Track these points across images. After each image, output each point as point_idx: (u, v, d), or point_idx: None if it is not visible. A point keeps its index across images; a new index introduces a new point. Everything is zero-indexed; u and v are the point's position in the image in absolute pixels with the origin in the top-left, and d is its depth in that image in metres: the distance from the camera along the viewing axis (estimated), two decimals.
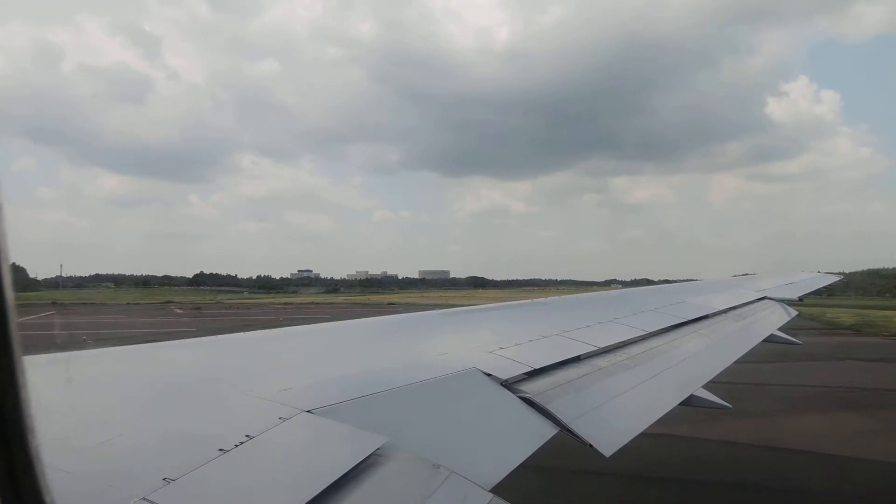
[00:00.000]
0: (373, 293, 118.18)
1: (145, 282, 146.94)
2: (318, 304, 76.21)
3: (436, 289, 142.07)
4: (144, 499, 1.61)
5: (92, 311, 59.32)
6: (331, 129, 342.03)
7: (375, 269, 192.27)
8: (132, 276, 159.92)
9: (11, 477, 0.95)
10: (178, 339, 3.99)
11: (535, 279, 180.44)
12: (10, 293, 0.91)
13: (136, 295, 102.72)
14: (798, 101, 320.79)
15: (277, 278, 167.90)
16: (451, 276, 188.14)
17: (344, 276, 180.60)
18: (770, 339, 8.02)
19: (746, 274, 14.91)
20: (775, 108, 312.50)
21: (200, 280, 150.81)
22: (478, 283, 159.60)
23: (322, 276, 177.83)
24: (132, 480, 1.74)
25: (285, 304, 76.17)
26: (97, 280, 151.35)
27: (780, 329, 8.61)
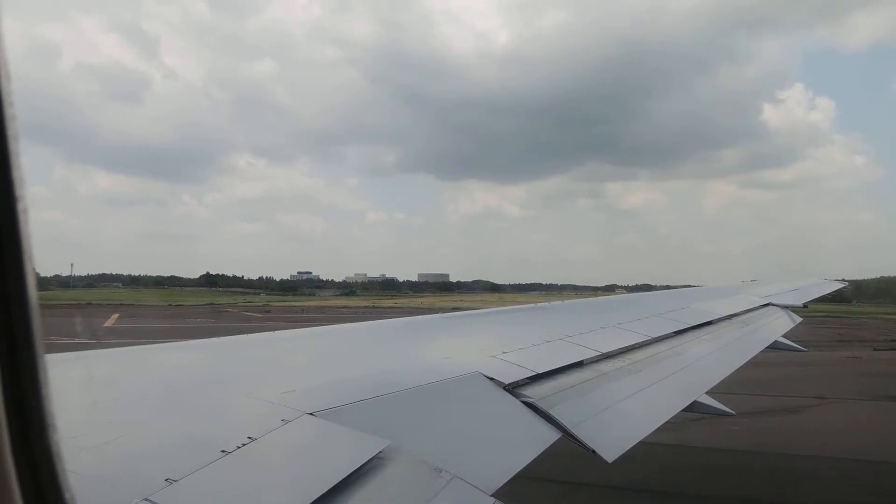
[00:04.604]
0: (387, 297, 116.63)
1: (156, 282, 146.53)
2: (376, 307, 72.10)
3: (444, 292, 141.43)
4: (146, 499, 1.62)
5: (152, 314, 56.46)
6: (327, 131, 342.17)
7: (373, 272, 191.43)
8: (135, 276, 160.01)
9: (33, 473, 0.97)
10: None
11: (535, 283, 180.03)
12: (34, 293, 0.94)
13: (158, 295, 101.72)
14: (793, 108, 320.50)
15: (278, 279, 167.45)
16: (449, 279, 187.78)
17: (343, 278, 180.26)
18: (774, 346, 7.99)
19: (755, 280, 14.87)
20: (771, 116, 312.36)
21: (209, 281, 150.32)
22: (491, 289, 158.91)
23: (321, 277, 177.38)
24: (134, 481, 1.75)
25: (343, 306, 74.26)
26: (104, 280, 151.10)
27: (785, 335, 8.59)
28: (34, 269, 0.93)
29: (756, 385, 16.83)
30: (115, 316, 48.99)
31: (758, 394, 16.00)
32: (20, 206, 0.90)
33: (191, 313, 57.71)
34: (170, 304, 75.42)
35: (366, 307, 72.64)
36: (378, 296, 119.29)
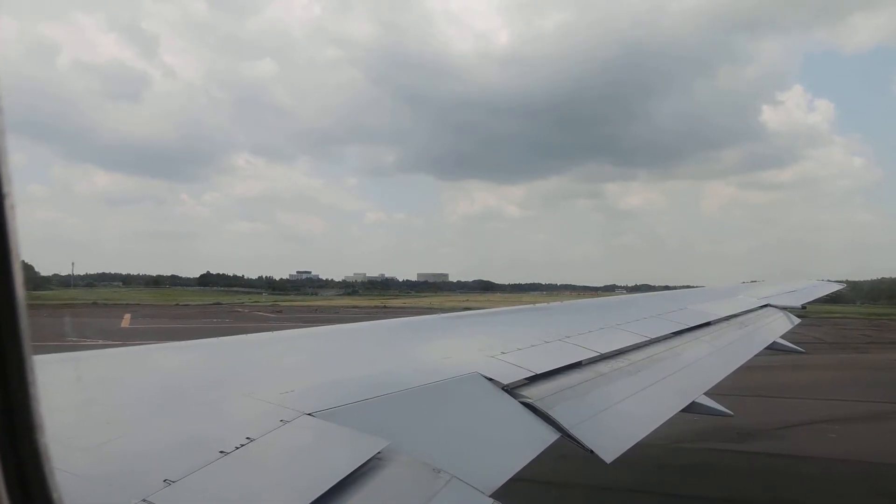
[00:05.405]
0: (392, 296, 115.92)
1: (156, 281, 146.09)
2: (387, 307, 69.95)
3: (444, 292, 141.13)
4: (145, 500, 1.61)
5: (163, 314, 55.29)
6: (327, 130, 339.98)
7: (372, 272, 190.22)
8: (134, 275, 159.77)
9: (20, 474, 0.97)
10: None
11: (535, 283, 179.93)
12: (21, 291, 0.93)
13: (160, 294, 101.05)
14: (793, 109, 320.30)
15: (277, 279, 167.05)
16: (449, 278, 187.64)
17: (342, 277, 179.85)
18: (773, 347, 8.01)
19: (754, 281, 14.90)
20: (770, 117, 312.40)
21: (209, 280, 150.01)
22: (486, 287, 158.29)
23: (320, 277, 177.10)
24: (133, 481, 1.74)
25: (353, 306, 72.99)
26: (104, 279, 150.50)
27: (783, 336, 8.61)
28: (21, 267, 0.92)
29: (829, 388, 16.47)
30: (128, 316, 48.53)
31: (833, 398, 15.61)
32: (7, 203, 0.89)
33: (203, 313, 56.94)
34: (177, 304, 75.09)
35: (376, 307, 71.67)
36: (381, 295, 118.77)
